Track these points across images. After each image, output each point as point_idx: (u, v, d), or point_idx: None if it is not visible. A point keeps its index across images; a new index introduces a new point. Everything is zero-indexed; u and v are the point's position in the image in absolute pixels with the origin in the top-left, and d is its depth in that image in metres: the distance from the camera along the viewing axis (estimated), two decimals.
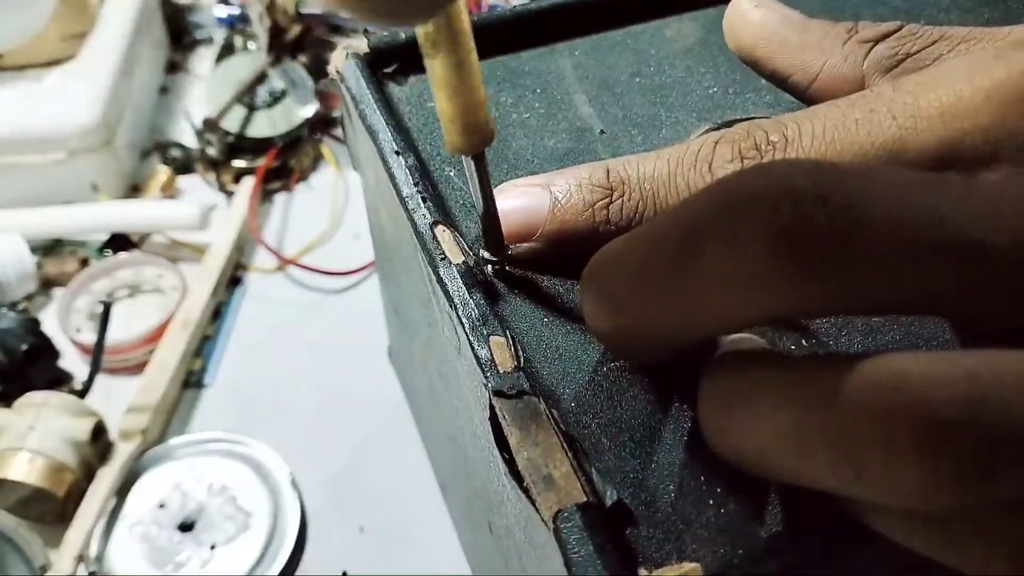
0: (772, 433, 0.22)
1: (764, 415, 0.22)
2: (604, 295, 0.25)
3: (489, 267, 0.31)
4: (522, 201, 0.30)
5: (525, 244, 0.30)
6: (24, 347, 0.57)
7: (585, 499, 0.23)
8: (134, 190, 0.72)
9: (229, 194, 0.72)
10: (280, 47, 0.76)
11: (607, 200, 0.29)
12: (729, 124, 0.34)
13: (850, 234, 0.20)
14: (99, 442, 0.53)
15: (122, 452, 0.54)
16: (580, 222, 0.29)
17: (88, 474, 0.52)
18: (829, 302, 0.21)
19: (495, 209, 0.29)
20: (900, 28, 0.30)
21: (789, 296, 0.21)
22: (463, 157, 0.28)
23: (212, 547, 0.51)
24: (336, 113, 0.76)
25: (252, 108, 0.73)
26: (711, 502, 0.25)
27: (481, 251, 0.31)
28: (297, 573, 0.51)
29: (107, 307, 0.59)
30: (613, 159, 0.30)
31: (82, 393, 0.56)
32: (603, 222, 0.29)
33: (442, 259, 0.30)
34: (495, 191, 0.30)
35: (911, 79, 0.27)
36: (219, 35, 0.83)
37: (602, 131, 0.36)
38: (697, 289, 0.22)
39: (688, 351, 0.25)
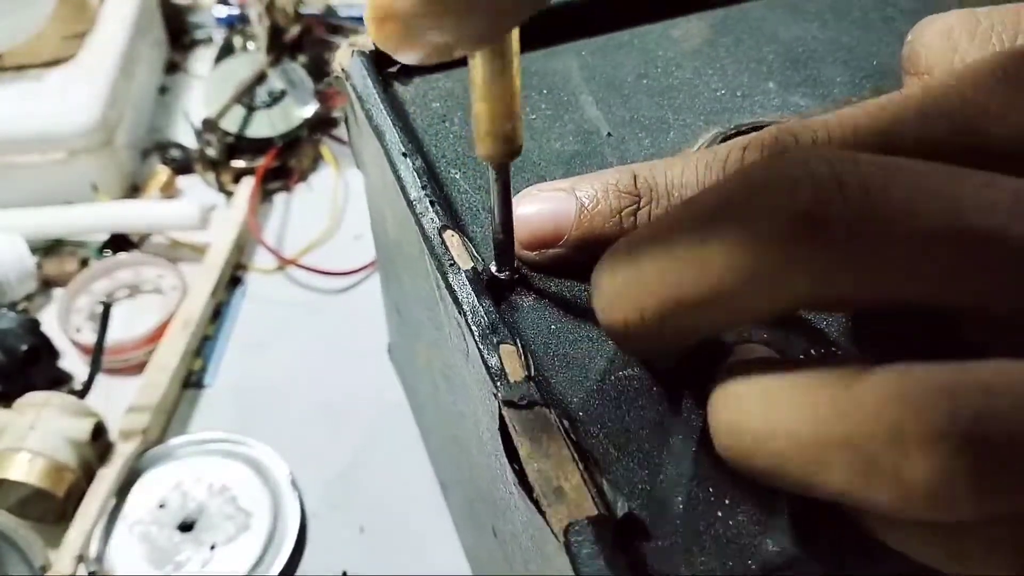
0: (784, 440, 0.22)
1: (777, 421, 0.22)
2: (619, 285, 0.25)
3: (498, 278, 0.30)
4: (548, 206, 0.30)
5: (550, 251, 0.30)
6: (24, 347, 0.57)
7: (596, 512, 0.23)
8: (134, 190, 0.72)
9: (229, 194, 0.72)
10: (280, 47, 0.76)
11: (635, 207, 0.29)
12: (739, 130, 0.34)
13: (866, 220, 0.20)
14: (99, 442, 0.53)
15: (122, 452, 0.53)
16: (607, 228, 0.29)
17: (88, 474, 0.52)
18: (844, 289, 0.21)
19: (511, 222, 0.29)
20: None
21: (805, 281, 0.21)
22: (488, 166, 0.27)
23: (212, 547, 0.51)
24: (336, 113, 0.76)
25: (252, 108, 0.73)
26: (720, 514, 0.25)
27: (491, 265, 0.30)
28: (297, 573, 0.51)
29: (107, 307, 0.59)
30: (638, 164, 0.30)
31: (82, 393, 0.56)
32: (631, 229, 0.29)
33: (451, 265, 0.29)
34: (516, 196, 0.29)
35: (941, 80, 0.26)
36: (219, 35, 0.83)
37: (609, 133, 0.35)
38: (715, 274, 0.22)
39: (700, 351, 0.25)
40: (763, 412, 0.22)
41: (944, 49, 0.29)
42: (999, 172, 0.22)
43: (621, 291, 0.25)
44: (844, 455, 0.20)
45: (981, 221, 0.20)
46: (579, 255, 0.29)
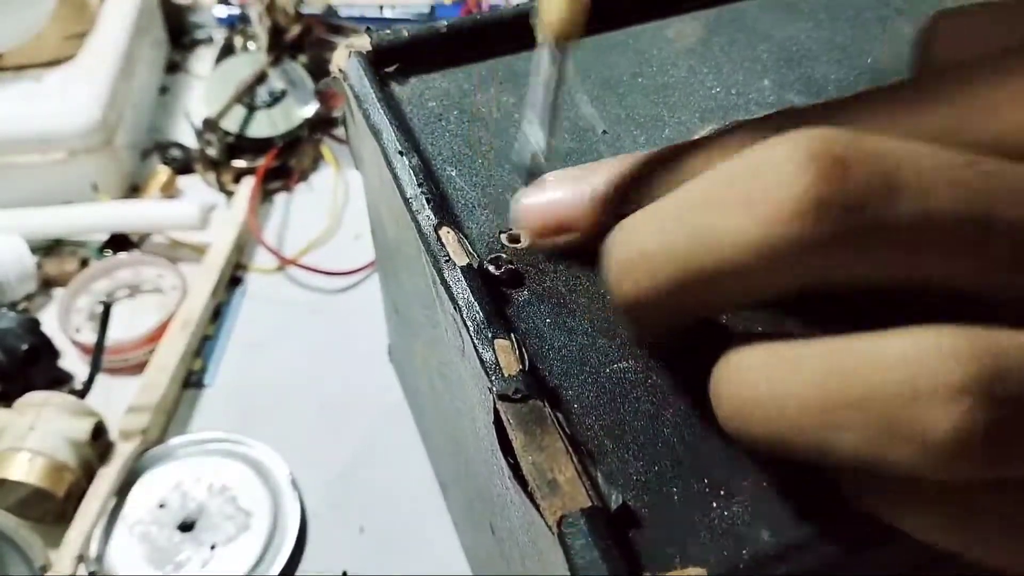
0: (794, 406, 0.22)
1: (786, 388, 0.22)
2: (633, 255, 0.25)
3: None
4: (559, 194, 0.30)
5: (563, 237, 0.30)
6: (24, 347, 0.57)
7: (590, 504, 0.23)
8: (134, 190, 0.72)
9: (229, 194, 0.72)
10: (280, 47, 0.76)
11: (645, 193, 0.29)
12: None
13: (872, 200, 0.20)
14: (99, 442, 0.53)
15: (122, 452, 0.54)
16: (617, 215, 0.29)
17: (88, 474, 0.52)
18: (851, 267, 0.21)
19: (555, 118, 0.29)
20: None
21: (811, 260, 0.21)
22: (545, 49, 0.27)
23: (212, 547, 0.51)
24: (336, 113, 0.76)
25: (252, 108, 0.73)
26: (714, 505, 0.25)
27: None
28: (297, 573, 0.51)
29: (107, 307, 0.59)
30: (649, 151, 0.30)
31: (82, 393, 0.56)
32: None
33: (447, 261, 0.30)
34: (531, 186, 0.30)
35: (937, 72, 0.26)
36: (219, 35, 0.83)
37: (604, 131, 0.36)
38: (724, 251, 0.22)
39: (698, 339, 0.25)
40: (769, 381, 0.22)
41: (953, 45, 0.30)
42: None
43: (635, 261, 0.25)
44: (859, 415, 0.20)
45: (992, 205, 0.21)
46: (589, 242, 0.29)
